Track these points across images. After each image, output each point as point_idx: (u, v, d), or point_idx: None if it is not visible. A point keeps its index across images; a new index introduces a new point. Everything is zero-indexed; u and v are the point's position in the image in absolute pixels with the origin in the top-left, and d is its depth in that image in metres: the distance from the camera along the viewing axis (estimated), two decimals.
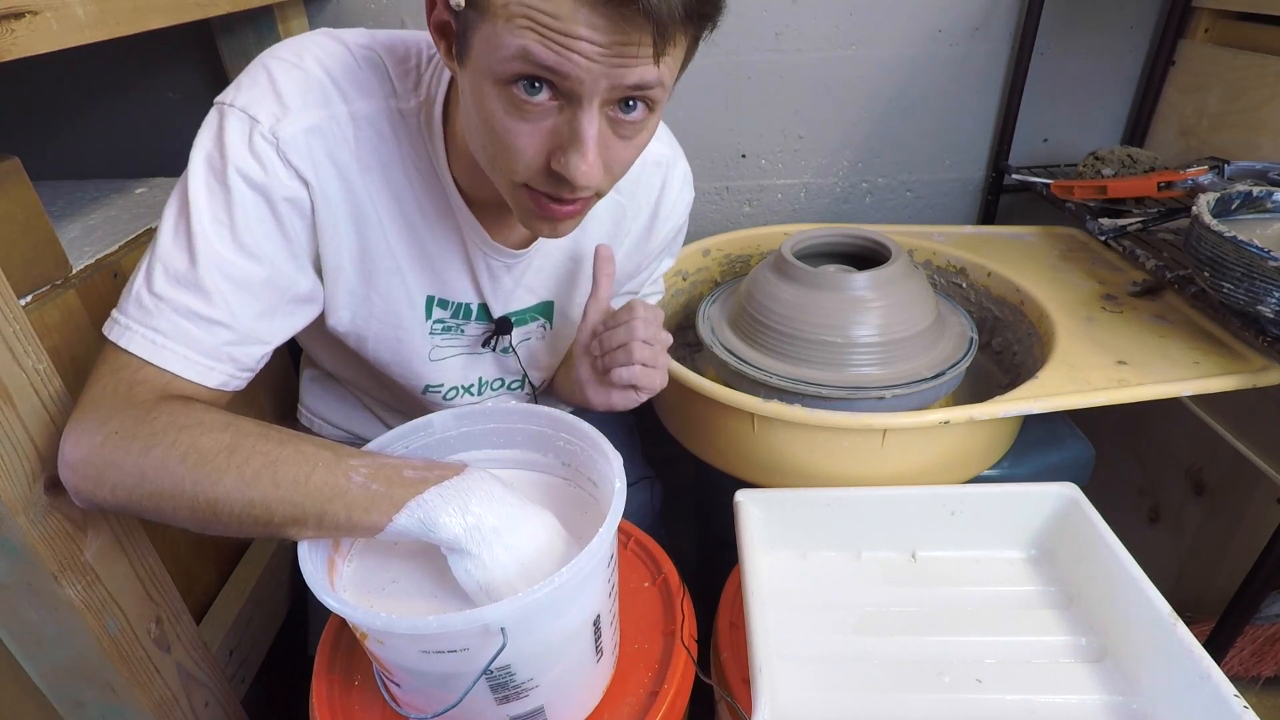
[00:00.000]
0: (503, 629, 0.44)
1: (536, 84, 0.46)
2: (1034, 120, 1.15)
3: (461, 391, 0.75)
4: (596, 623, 0.52)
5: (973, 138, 1.17)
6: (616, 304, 0.76)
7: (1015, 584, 0.68)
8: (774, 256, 0.86)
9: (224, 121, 0.53)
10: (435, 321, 0.69)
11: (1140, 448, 1.10)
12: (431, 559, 0.56)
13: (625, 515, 0.51)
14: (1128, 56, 1.12)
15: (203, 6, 0.76)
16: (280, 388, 0.93)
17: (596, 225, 0.71)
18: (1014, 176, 1.11)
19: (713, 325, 0.89)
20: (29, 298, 0.59)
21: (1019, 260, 0.99)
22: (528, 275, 0.70)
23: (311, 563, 0.48)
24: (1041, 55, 1.09)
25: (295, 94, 0.54)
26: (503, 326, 0.71)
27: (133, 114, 1.14)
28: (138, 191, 0.84)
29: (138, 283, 0.51)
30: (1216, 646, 0.82)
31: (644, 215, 0.73)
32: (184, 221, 0.52)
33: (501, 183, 0.53)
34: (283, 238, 0.56)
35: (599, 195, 0.54)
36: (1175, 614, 0.55)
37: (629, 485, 0.53)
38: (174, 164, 0.84)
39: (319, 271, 0.61)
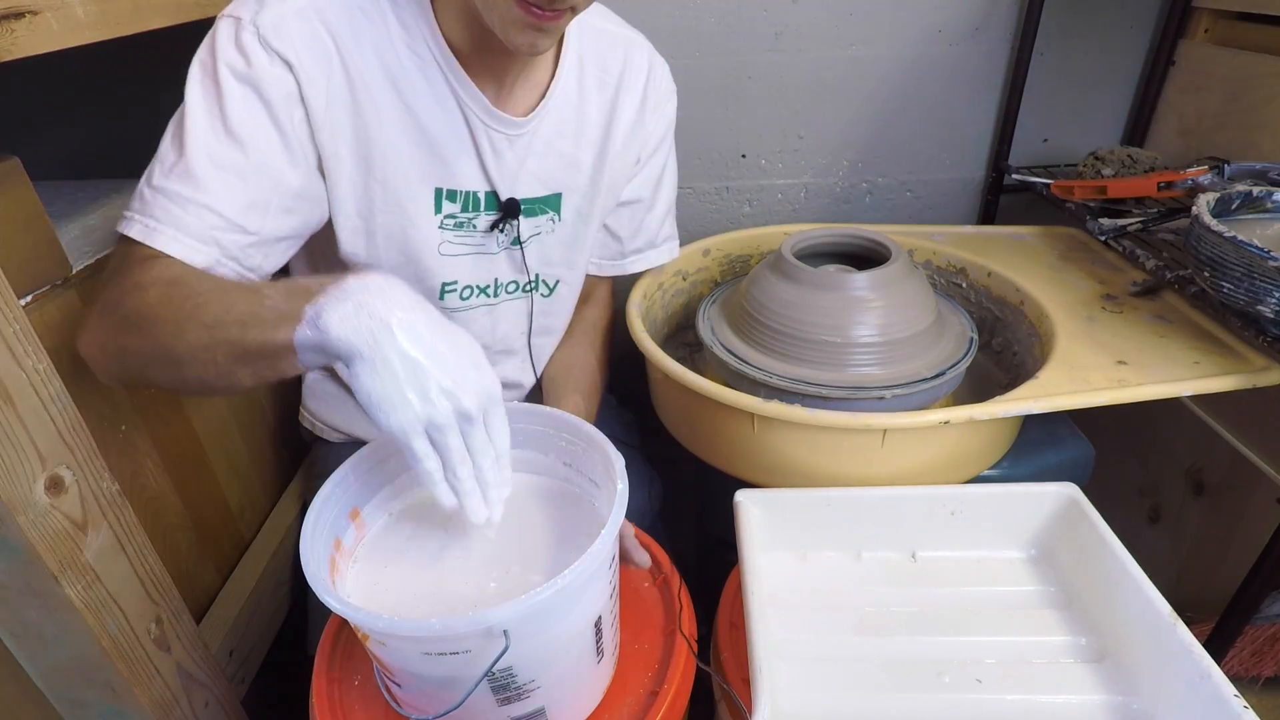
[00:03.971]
0: (505, 631, 0.44)
1: None
2: (1034, 120, 1.15)
3: (477, 291, 0.75)
4: (598, 624, 0.52)
5: (973, 138, 1.17)
6: (625, 213, 0.82)
7: (1015, 584, 0.68)
8: (774, 256, 0.86)
9: (215, 28, 0.57)
10: (446, 217, 0.69)
11: (1140, 448, 1.10)
12: (434, 559, 0.56)
13: (625, 515, 0.51)
14: (1128, 56, 1.12)
15: (202, 6, 0.76)
16: (282, 391, 0.93)
17: (593, 109, 0.73)
18: (1014, 176, 1.11)
19: (713, 325, 0.89)
20: (29, 298, 0.59)
21: (1019, 260, 0.99)
22: (531, 158, 0.71)
23: (313, 562, 0.48)
24: (1041, 55, 1.09)
25: None
26: (510, 209, 0.71)
27: (133, 114, 1.14)
28: None
29: (141, 181, 0.56)
30: (1216, 646, 0.82)
31: (635, 95, 0.76)
32: (180, 122, 0.56)
33: None
34: (274, 127, 0.57)
35: (574, 11, 0.56)
36: (1175, 614, 0.55)
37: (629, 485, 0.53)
38: None
39: (321, 172, 0.62)
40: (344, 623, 0.61)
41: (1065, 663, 0.60)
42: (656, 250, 0.88)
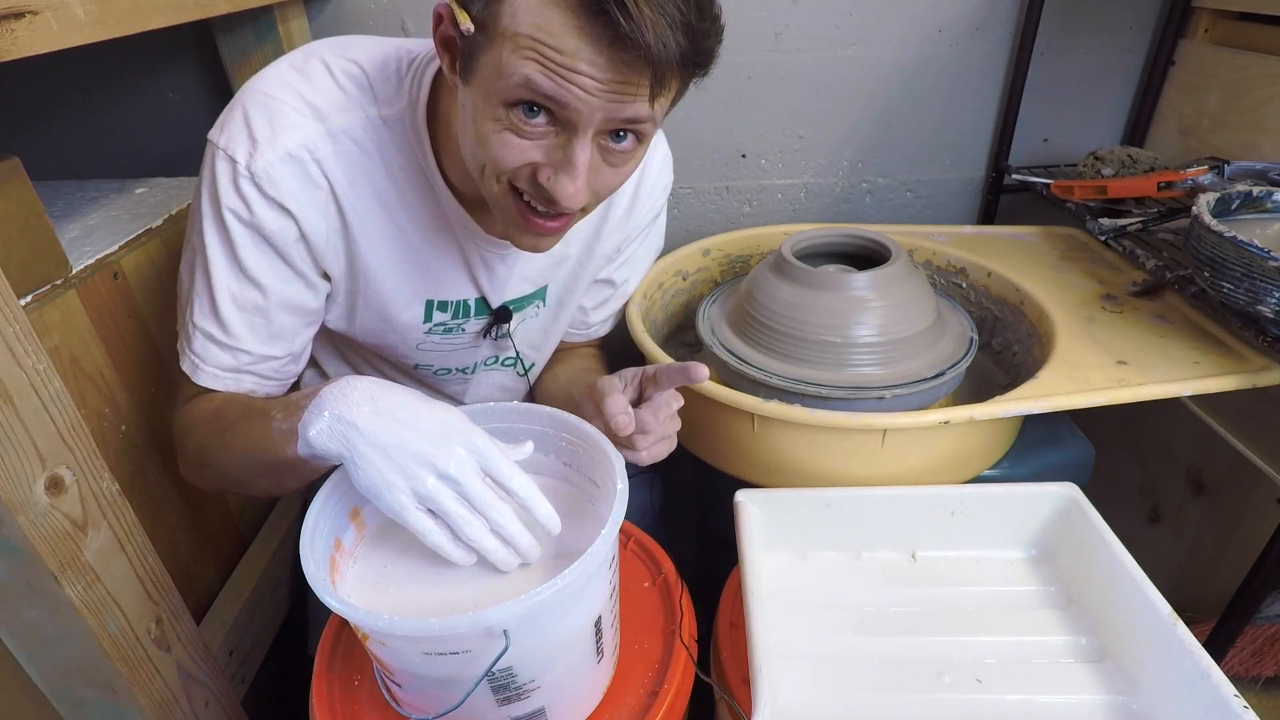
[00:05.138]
0: (505, 631, 0.44)
1: (535, 109, 0.49)
2: (1034, 120, 1.15)
3: (455, 371, 0.79)
4: (598, 624, 0.52)
5: (973, 138, 1.17)
6: (593, 289, 0.82)
7: (1015, 584, 0.68)
8: (774, 256, 0.86)
9: (214, 162, 0.57)
10: (436, 325, 0.71)
11: (1140, 448, 1.10)
12: (434, 559, 0.56)
13: (625, 515, 0.51)
14: (1128, 56, 1.11)
15: (203, 6, 0.76)
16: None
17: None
18: (1014, 176, 1.11)
19: (713, 325, 0.89)
20: (29, 298, 0.59)
21: (1019, 260, 0.99)
22: (521, 264, 0.72)
23: (313, 562, 0.48)
24: (1041, 55, 1.09)
25: (265, 126, 0.57)
26: (502, 315, 0.73)
27: (133, 114, 1.14)
28: (138, 191, 0.84)
29: (186, 313, 0.61)
30: (1216, 646, 0.82)
31: (625, 197, 0.75)
32: (202, 258, 0.59)
33: (490, 189, 0.55)
34: (286, 265, 0.61)
35: (584, 212, 0.57)
36: (1175, 614, 0.55)
37: (629, 483, 0.53)
38: (174, 164, 0.84)
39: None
40: (344, 623, 0.61)
41: (1065, 663, 0.60)
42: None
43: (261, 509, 0.94)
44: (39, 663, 0.59)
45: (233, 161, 0.56)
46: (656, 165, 0.77)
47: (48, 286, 0.61)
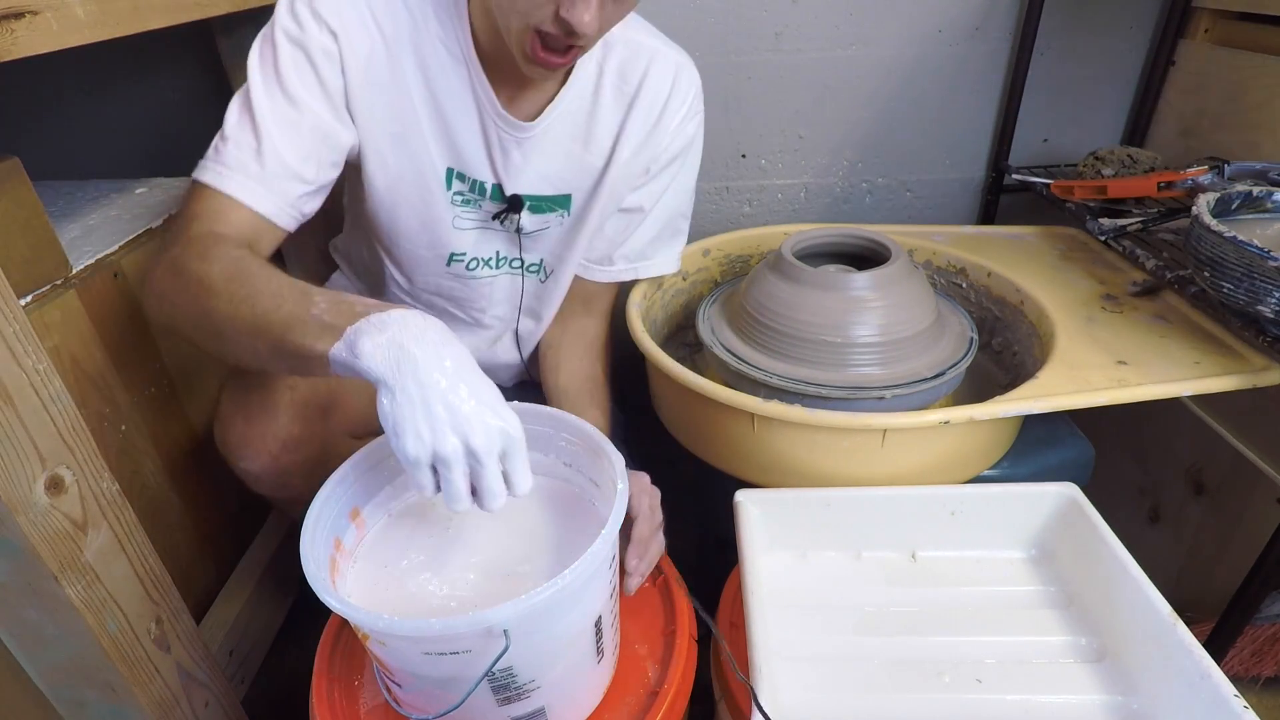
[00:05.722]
0: (505, 631, 0.44)
1: None
2: (1034, 120, 1.15)
3: (481, 264, 0.81)
4: (598, 624, 0.52)
5: (973, 138, 1.17)
6: (620, 218, 0.83)
7: (1015, 584, 0.68)
8: (774, 256, 0.86)
9: (277, 5, 0.64)
10: (455, 193, 0.76)
11: (1140, 448, 1.10)
12: (434, 559, 0.56)
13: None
14: (1128, 56, 1.11)
15: (203, 6, 0.76)
16: None
17: (606, 115, 0.76)
18: (1014, 176, 1.11)
19: (713, 325, 0.89)
20: (29, 298, 0.59)
21: (1019, 260, 0.99)
22: (538, 157, 0.75)
23: (313, 562, 0.48)
24: (1041, 55, 1.09)
25: None
26: (514, 204, 0.76)
27: (133, 114, 1.14)
28: (138, 191, 0.84)
29: (218, 133, 0.63)
30: (1216, 646, 0.81)
31: (652, 107, 0.77)
32: (247, 85, 0.64)
33: (514, 25, 0.60)
34: (320, 87, 0.65)
35: (584, 49, 0.63)
36: (1175, 614, 0.55)
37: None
38: (174, 164, 0.84)
39: (357, 136, 0.69)
40: (344, 623, 0.61)
41: (1065, 663, 0.60)
42: (648, 263, 0.87)
43: (262, 509, 0.94)
44: (39, 663, 0.59)
45: None
46: (687, 90, 0.79)
47: (48, 286, 0.61)
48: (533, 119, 0.73)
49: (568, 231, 0.81)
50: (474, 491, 0.49)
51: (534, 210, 0.78)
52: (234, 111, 0.64)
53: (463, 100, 0.71)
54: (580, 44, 0.61)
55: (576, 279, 0.86)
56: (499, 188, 0.76)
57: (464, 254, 0.79)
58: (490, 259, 0.81)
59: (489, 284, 0.83)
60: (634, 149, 0.77)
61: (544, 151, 0.75)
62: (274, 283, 0.54)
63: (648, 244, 0.86)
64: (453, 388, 0.47)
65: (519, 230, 0.79)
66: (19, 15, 0.50)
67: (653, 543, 0.64)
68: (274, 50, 0.63)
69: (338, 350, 0.48)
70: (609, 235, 0.84)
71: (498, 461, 0.48)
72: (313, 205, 0.68)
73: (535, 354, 0.91)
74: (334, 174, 0.69)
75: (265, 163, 0.62)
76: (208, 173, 0.62)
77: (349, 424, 0.79)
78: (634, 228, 0.84)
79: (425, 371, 0.47)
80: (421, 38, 0.68)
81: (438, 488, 0.48)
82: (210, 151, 0.63)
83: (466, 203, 0.76)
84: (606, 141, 0.77)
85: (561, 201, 0.79)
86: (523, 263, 0.83)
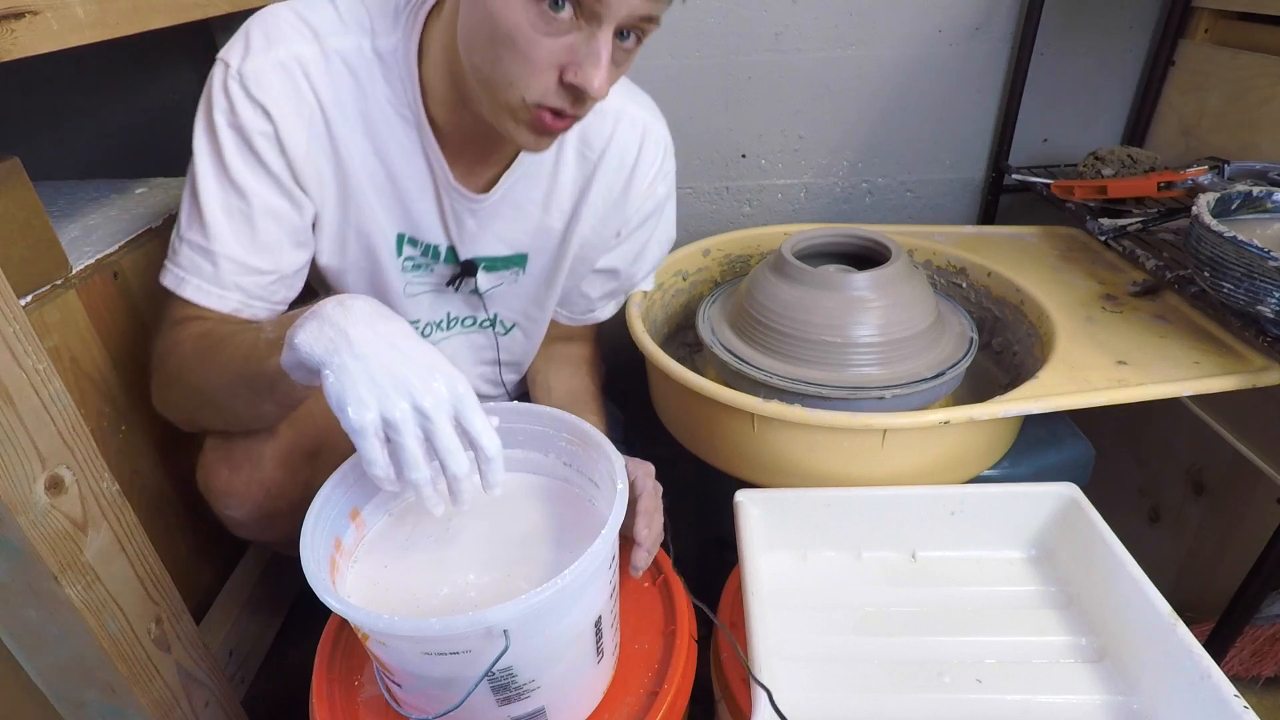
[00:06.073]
0: (505, 631, 0.44)
1: (560, 2, 0.51)
2: (1034, 120, 1.15)
3: (433, 328, 0.79)
4: (598, 624, 0.52)
5: (973, 138, 1.17)
6: (597, 279, 0.82)
7: (1015, 584, 0.68)
8: (774, 256, 0.86)
9: (211, 73, 0.60)
10: (406, 259, 0.72)
11: (1140, 448, 1.10)
12: (434, 559, 0.56)
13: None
14: (1128, 56, 1.11)
15: (202, 6, 0.76)
16: None
17: (568, 179, 0.73)
18: (1014, 176, 1.11)
19: (713, 325, 0.89)
20: (29, 298, 0.59)
21: (1019, 260, 0.99)
22: (496, 223, 0.72)
23: (313, 562, 0.48)
24: (1041, 55, 1.09)
25: (261, 38, 0.59)
26: (468, 269, 0.74)
27: (133, 114, 1.14)
28: (138, 191, 0.84)
29: (174, 227, 0.62)
30: (1216, 646, 0.81)
31: (619, 172, 0.75)
32: (193, 169, 0.61)
33: (505, 98, 0.55)
34: (264, 170, 0.61)
35: (578, 118, 0.59)
36: (1175, 614, 0.55)
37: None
38: (174, 164, 0.84)
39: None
40: (344, 623, 0.61)
41: (1065, 663, 0.60)
42: (630, 290, 0.88)
43: None
44: (39, 663, 0.59)
45: (226, 66, 0.59)
46: (654, 150, 0.76)
47: (48, 286, 0.61)
48: (489, 186, 0.69)
49: (531, 292, 0.79)
50: (451, 485, 0.49)
51: (488, 269, 0.75)
52: (185, 204, 0.61)
53: (414, 164, 0.67)
54: (582, 111, 0.57)
55: (554, 324, 0.85)
56: (453, 250, 0.72)
57: (417, 321, 0.77)
58: (441, 321, 0.79)
59: (441, 346, 0.81)
60: (600, 215, 0.76)
61: (501, 216, 0.72)
62: (232, 332, 0.57)
63: (629, 289, 0.87)
64: (394, 355, 0.47)
65: (475, 291, 0.76)
66: (19, 15, 0.51)
67: (657, 515, 0.64)
68: (214, 135, 0.60)
69: (286, 357, 0.49)
70: (589, 293, 0.84)
71: (450, 420, 0.47)
72: (288, 290, 0.65)
73: (523, 380, 0.90)
74: (302, 254, 0.66)
75: (218, 263, 0.60)
76: (168, 276, 0.61)
77: (337, 466, 0.78)
78: (615, 285, 0.85)
79: (362, 344, 0.47)
80: (369, 103, 0.63)
81: (391, 463, 0.47)
82: (170, 251, 0.62)
83: (418, 268, 0.73)
84: (567, 204, 0.74)
85: (517, 260, 0.76)
86: (491, 320, 0.81)
